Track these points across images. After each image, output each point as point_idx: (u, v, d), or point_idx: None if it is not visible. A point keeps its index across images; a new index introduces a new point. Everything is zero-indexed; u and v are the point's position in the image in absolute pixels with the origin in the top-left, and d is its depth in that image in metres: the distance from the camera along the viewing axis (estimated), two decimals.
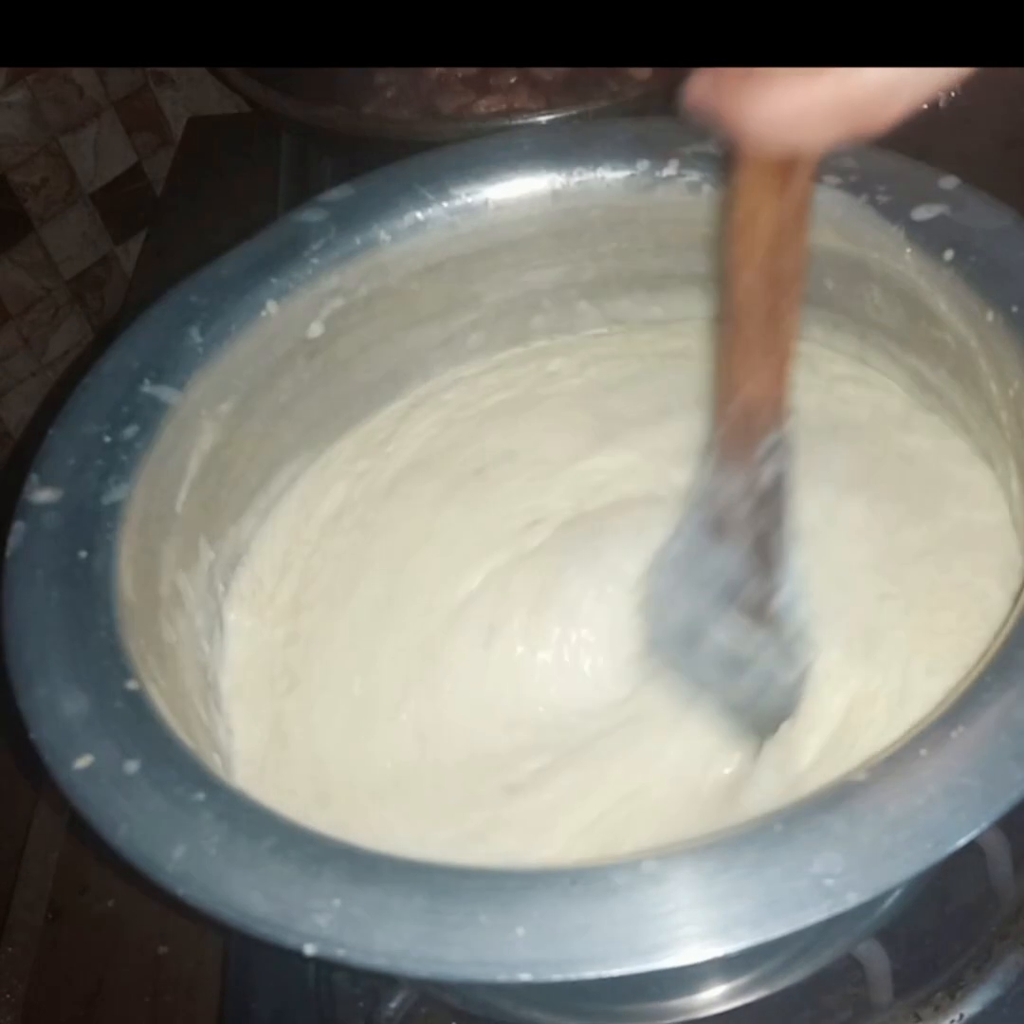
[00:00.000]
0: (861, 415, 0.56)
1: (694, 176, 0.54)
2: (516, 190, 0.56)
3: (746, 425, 0.40)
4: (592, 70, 0.84)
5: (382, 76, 0.89)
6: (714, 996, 0.49)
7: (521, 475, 0.57)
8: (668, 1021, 0.49)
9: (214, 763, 0.41)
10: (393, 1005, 0.53)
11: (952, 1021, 0.51)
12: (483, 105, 0.85)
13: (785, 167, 0.34)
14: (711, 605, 0.45)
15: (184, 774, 0.38)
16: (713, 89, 0.32)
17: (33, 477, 0.46)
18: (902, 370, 0.56)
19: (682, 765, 0.47)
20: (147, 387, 0.49)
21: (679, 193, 0.55)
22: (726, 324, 0.38)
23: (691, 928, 0.33)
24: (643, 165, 0.55)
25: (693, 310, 0.60)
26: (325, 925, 0.34)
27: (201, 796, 0.37)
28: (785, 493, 0.42)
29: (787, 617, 0.44)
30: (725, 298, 0.37)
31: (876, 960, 0.50)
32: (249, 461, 0.55)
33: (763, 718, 0.46)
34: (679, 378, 0.59)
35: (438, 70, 0.87)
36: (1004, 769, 0.34)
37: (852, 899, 0.32)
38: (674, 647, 0.47)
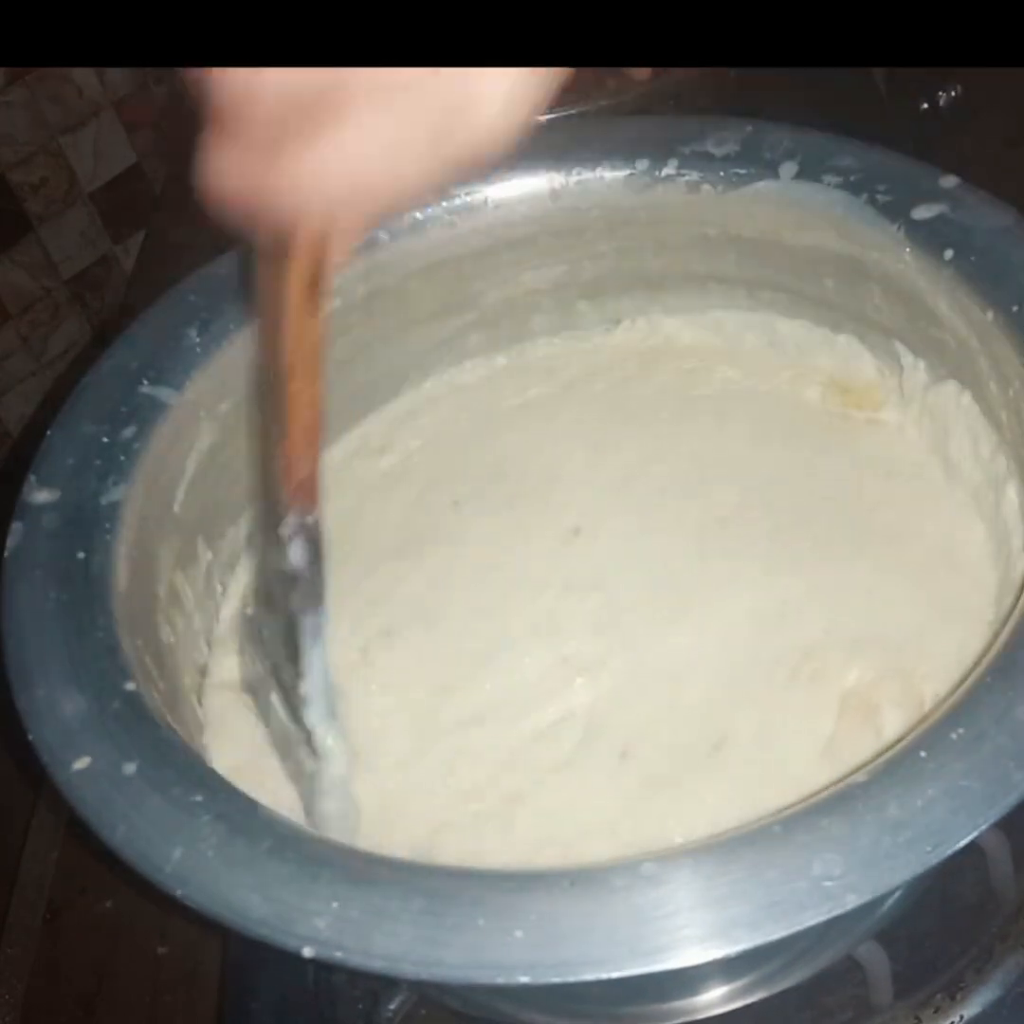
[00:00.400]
0: None
1: (693, 176, 0.54)
2: (515, 189, 0.56)
3: (275, 503, 0.39)
4: (592, 69, 0.83)
5: None
6: (714, 998, 0.49)
7: (543, 481, 0.57)
8: (668, 1023, 0.49)
9: (211, 764, 0.41)
10: (392, 1007, 0.53)
11: (952, 1022, 0.51)
12: None
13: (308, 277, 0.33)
14: (267, 676, 0.44)
15: (182, 775, 0.38)
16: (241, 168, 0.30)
17: (32, 477, 0.46)
18: None
19: None
20: (146, 387, 0.49)
21: (678, 193, 0.55)
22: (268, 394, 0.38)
23: (690, 930, 0.32)
24: (642, 164, 0.55)
25: (692, 309, 0.61)
26: (323, 927, 0.33)
27: (199, 797, 0.37)
28: (313, 579, 0.41)
29: (307, 711, 0.42)
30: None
31: (876, 961, 0.50)
32: (247, 462, 0.54)
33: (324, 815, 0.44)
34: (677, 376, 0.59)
35: None
36: (1004, 770, 0.34)
37: (852, 901, 0.32)
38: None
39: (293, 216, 0.31)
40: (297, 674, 0.41)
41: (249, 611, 0.47)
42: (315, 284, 0.34)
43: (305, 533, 0.39)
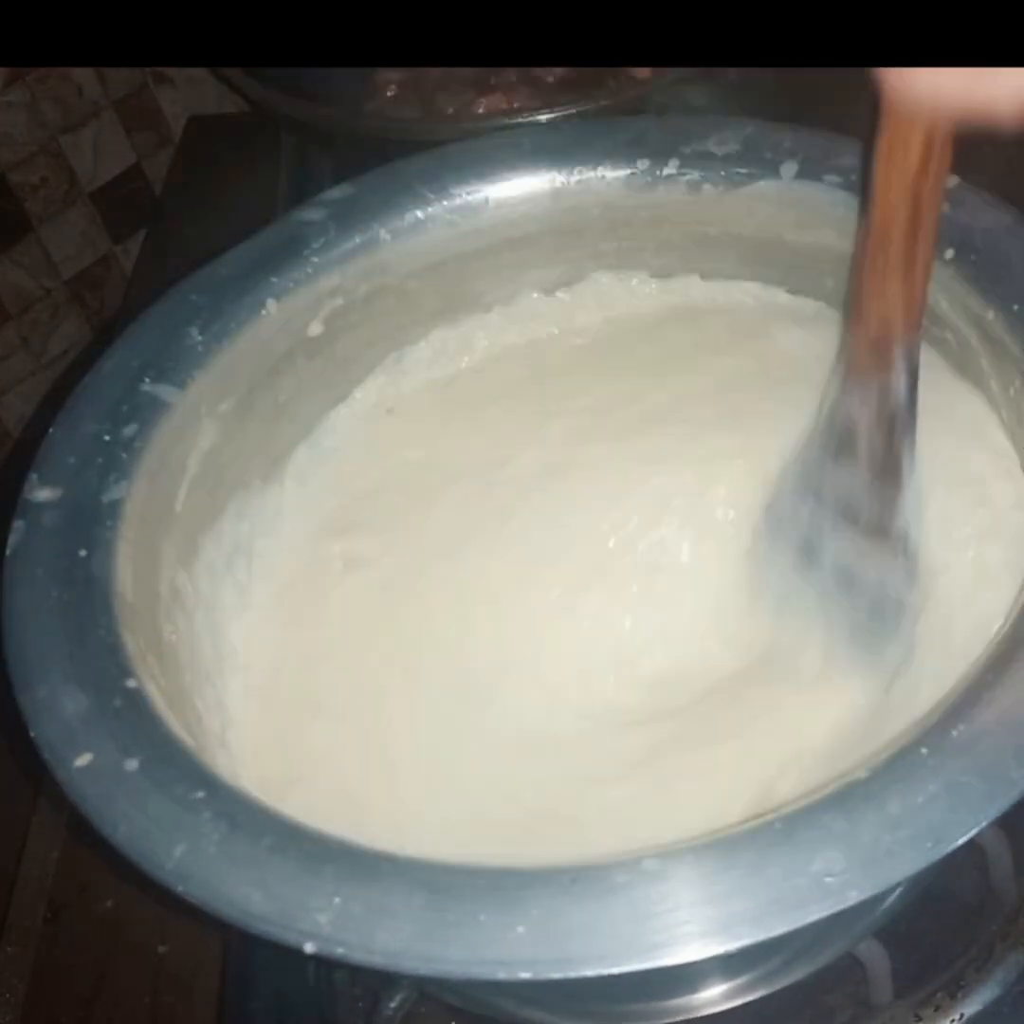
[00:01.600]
0: None
1: (694, 175, 0.54)
2: (516, 189, 0.56)
3: (880, 338, 0.42)
4: (592, 69, 0.84)
5: (382, 76, 0.89)
6: (714, 995, 0.49)
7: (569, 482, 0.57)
8: (668, 1020, 0.49)
9: (214, 761, 0.41)
10: (393, 1004, 0.53)
11: (953, 1020, 0.51)
12: (483, 104, 0.85)
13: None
14: (832, 524, 0.46)
15: (184, 772, 0.38)
16: None
17: (33, 476, 0.46)
18: None
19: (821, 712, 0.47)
20: (147, 386, 0.49)
21: (679, 192, 0.55)
22: (864, 246, 0.41)
23: (691, 926, 0.33)
24: (643, 164, 0.55)
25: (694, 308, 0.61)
26: (325, 923, 0.34)
27: (201, 794, 0.37)
28: (913, 410, 0.44)
29: (908, 535, 0.45)
30: (864, 221, 0.40)
31: (876, 959, 0.50)
32: (249, 460, 0.55)
33: (878, 639, 0.46)
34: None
35: (438, 70, 0.87)
36: (1004, 768, 0.34)
37: (852, 897, 0.32)
38: (791, 568, 0.48)
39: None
40: (896, 506, 0.44)
41: (798, 463, 0.48)
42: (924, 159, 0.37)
43: (909, 363, 0.43)
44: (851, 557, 0.46)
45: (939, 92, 0.33)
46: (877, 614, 0.46)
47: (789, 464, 0.49)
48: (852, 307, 0.43)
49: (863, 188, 0.41)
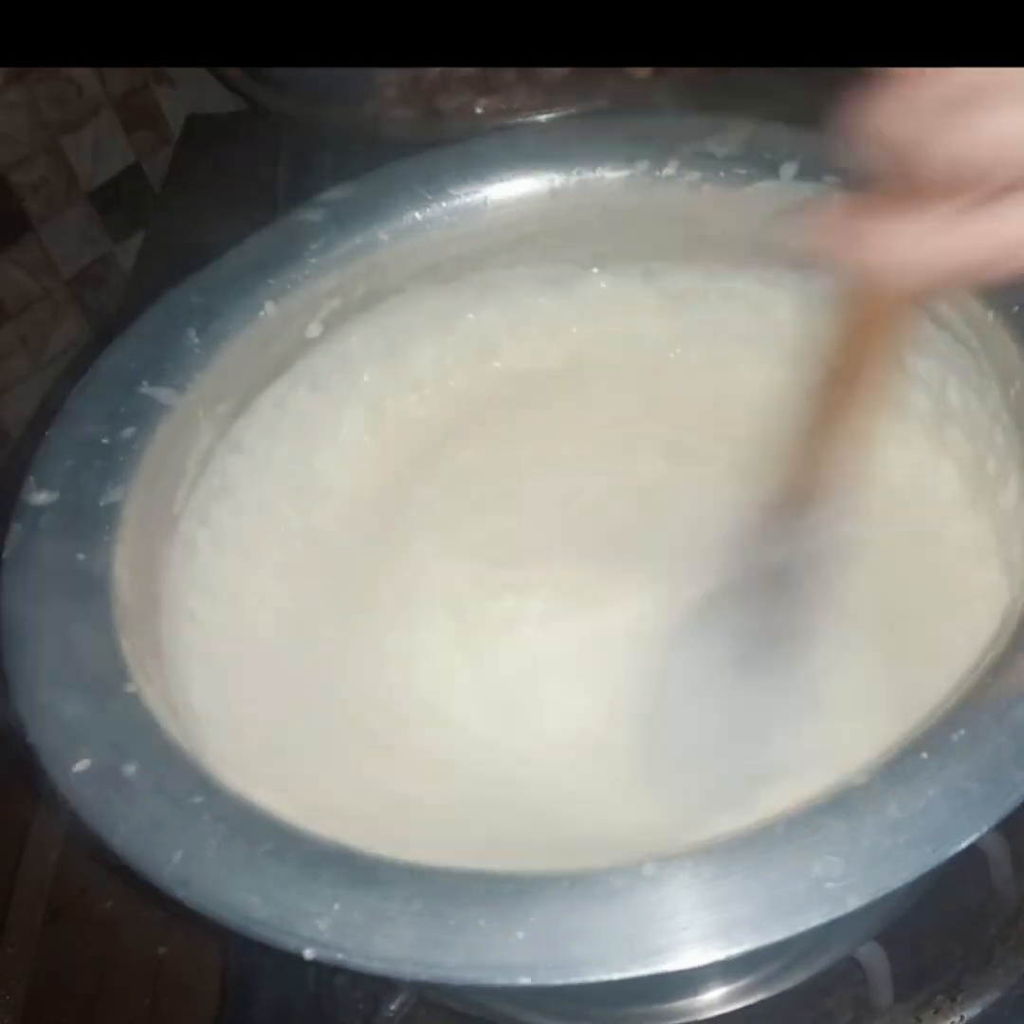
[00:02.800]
0: None
1: (694, 176, 0.54)
2: (515, 190, 0.56)
3: (806, 490, 0.42)
4: (592, 69, 0.83)
5: (382, 76, 0.89)
6: (714, 999, 0.49)
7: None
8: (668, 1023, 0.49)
9: (212, 765, 0.41)
10: (392, 1008, 0.53)
11: (953, 1023, 0.51)
12: (483, 105, 0.84)
13: (899, 302, 0.36)
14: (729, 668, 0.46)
15: (182, 777, 0.38)
16: (835, 232, 0.34)
17: (31, 479, 0.46)
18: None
19: None
20: (145, 388, 0.49)
21: (679, 192, 0.55)
22: (808, 419, 0.41)
23: (691, 931, 0.32)
24: (643, 165, 0.55)
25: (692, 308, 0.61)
26: (324, 928, 0.33)
27: (199, 799, 0.37)
28: (823, 568, 0.44)
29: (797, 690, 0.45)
30: (812, 399, 0.40)
31: (877, 962, 0.50)
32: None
33: None
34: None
35: (438, 70, 0.87)
36: (1004, 772, 0.34)
37: (852, 902, 0.32)
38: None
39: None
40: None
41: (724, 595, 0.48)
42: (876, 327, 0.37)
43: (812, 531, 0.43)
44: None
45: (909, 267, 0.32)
46: None
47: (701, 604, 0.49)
48: (788, 447, 0.43)
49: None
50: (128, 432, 0.48)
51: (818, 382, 0.40)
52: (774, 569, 0.45)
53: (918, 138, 0.31)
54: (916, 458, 0.54)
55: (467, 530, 0.56)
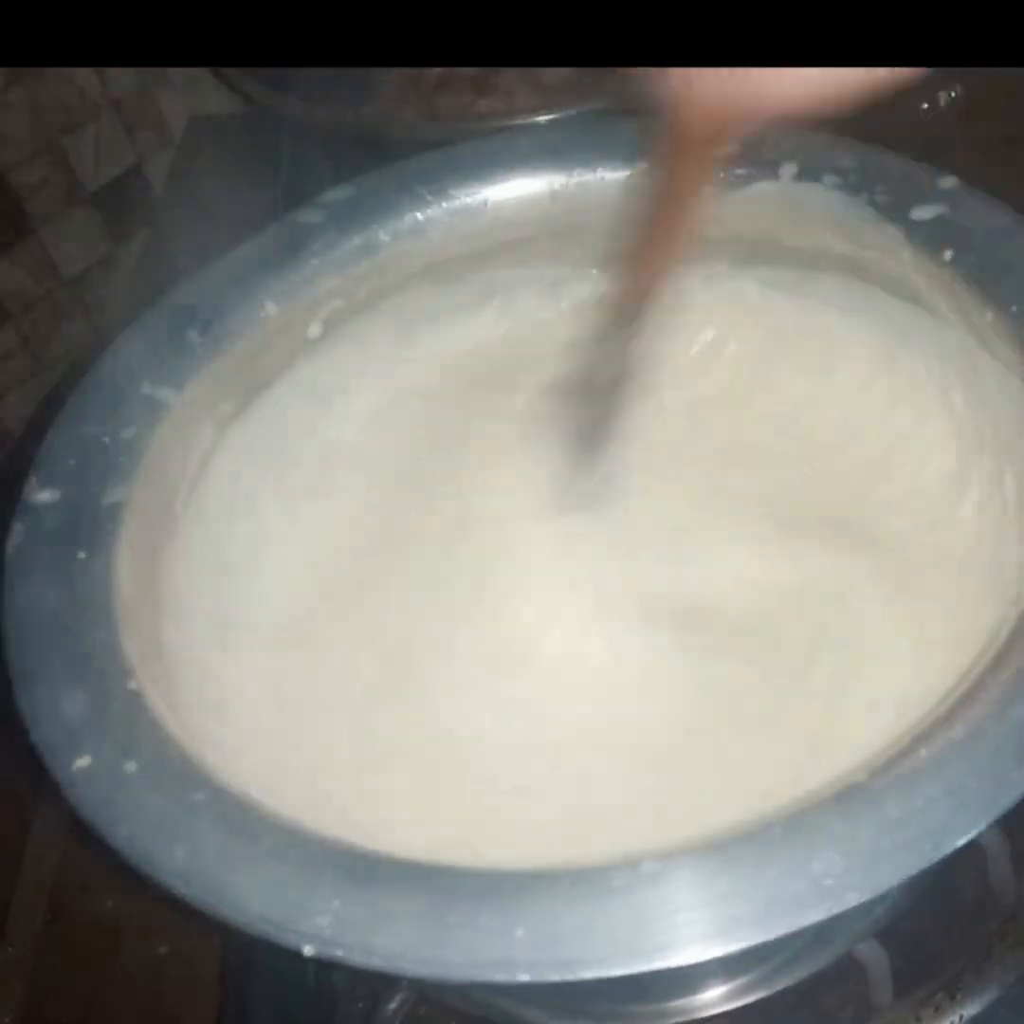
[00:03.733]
0: None
1: None
2: (515, 190, 0.56)
3: (626, 304, 0.47)
4: (592, 70, 0.83)
5: (382, 76, 0.89)
6: (714, 997, 0.49)
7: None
8: (668, 1021, 0.49)
9: (213, 763, 0.41)
10: (392, 1005, 0.53)
11: (952, 1022, 0.51)
12: (483, 105, 0.85)
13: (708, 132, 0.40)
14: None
15: (184, 775, 0.38)
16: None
17: (32, 478, 0.46)
18: None
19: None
20: (146, 388, 0.49)
21: None
22: (635, 232, 0.45)
23: (691, 929, 0.33)
24: (642, 165, 0.55)
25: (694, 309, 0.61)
26: (324, 925, 0.33)
27: (200, 796, 0.37)
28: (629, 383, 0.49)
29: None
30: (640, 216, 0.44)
31: (876, 960, 0.50)
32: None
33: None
34: None
35: (438, 70, 0.87)
36: (1003, 769, 0.34)
37: (852, 899, 0.32)
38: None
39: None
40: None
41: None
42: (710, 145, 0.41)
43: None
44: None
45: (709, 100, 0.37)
46: None
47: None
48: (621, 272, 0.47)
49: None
50: (129, 432, 0.48)
51: (644, 208, 0.44)
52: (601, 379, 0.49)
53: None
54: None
55: (470, 529, 0.56)
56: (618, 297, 0.48)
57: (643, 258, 0.46)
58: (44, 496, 0.46)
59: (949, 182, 0.50)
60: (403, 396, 0.60)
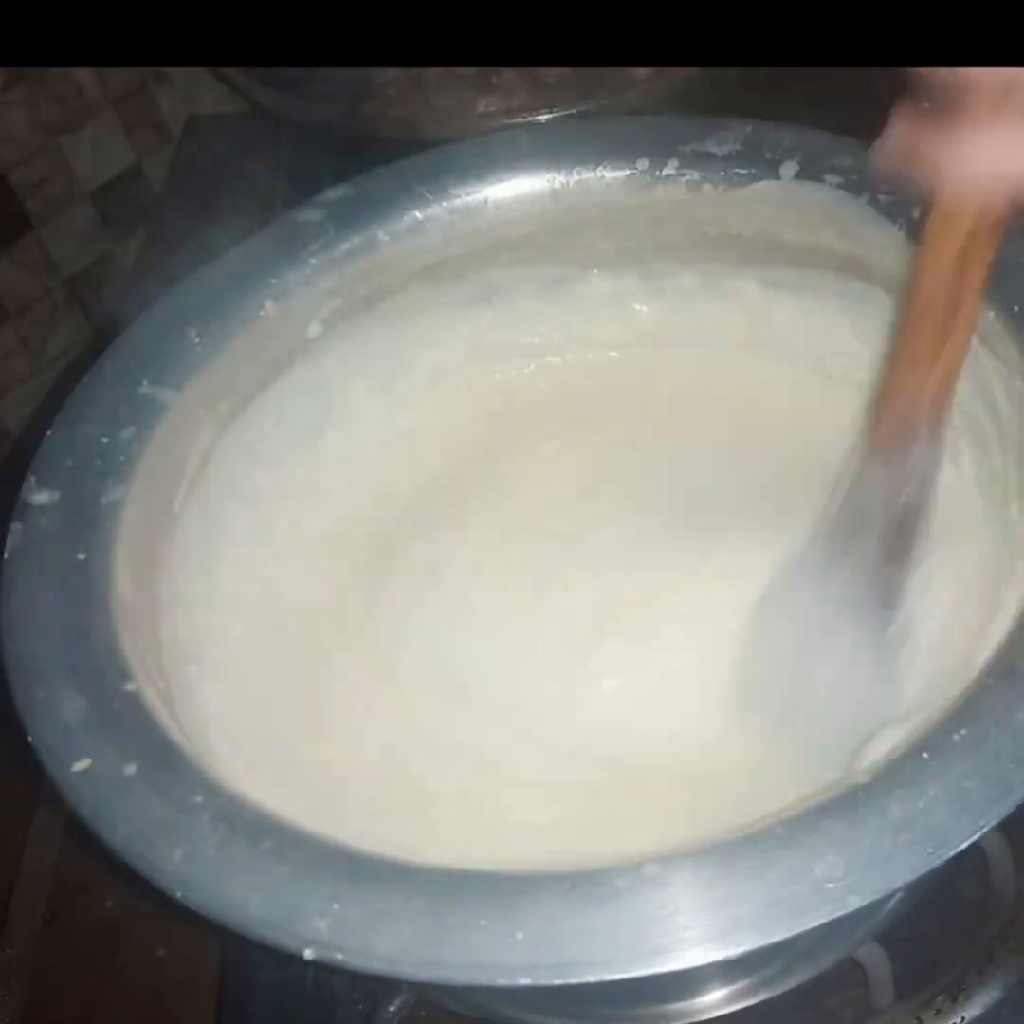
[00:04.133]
0: None
1: (694, 175, 0.54)
2: (515, 189, 0.56)
3: (906, 419, 0.42)
4: (592, 69, 0.83)
5: (382, 76, 0.89)
6: (715, 999, 0.49)
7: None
8: None
9: (212, 764, 0.41)
10: (392, 1008, 0.53)
11: (953, 1023, 0.51)
12: (483, 104, 0.84)
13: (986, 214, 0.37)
14: (823, 638, 0.46)
15: (182, 776, 0.38)
16: (913, 139, 0.34)
17: (31, 478, 0.46)
18: None
19: None
20: (145, 388, 0.49)
21: (679, 192, 0.55)
22: (901, 327, 0.40)
23: (692, 932, 0.32)
24: (643, 164, 0.55)
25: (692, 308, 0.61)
26: (324, 928, 0.33)
27: (199, 798, 0.37)
28: (932, 496, 0.44)
29: (910, 626, 0.45)
30: (904, 305, 0.40)
31: (878, 963, 0.50)
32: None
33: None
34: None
35: (438, 70, 0.87)
36: (1005, 772, 0.34)
37: (853, 902, 0.32)
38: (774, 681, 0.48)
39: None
40: (899, 586, 0.45)
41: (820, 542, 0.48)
42: (968, 248, 0.38)
43: (933, 448, 0.43)
44: (845, 653, 0.46)
45: (992, 180, 0.33)
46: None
47: (793, 557, 0.48)
48: (882, 386, 0.43)
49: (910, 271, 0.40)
50: (128, 432, 0.47)
51: (910, 315, 0.40)
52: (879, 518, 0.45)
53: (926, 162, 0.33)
54: None
55: (470, 528, 0.56)
56: (898, 416, 0.43)
57: (923, 365, 0.41)
58: (43, 496, 0.45)
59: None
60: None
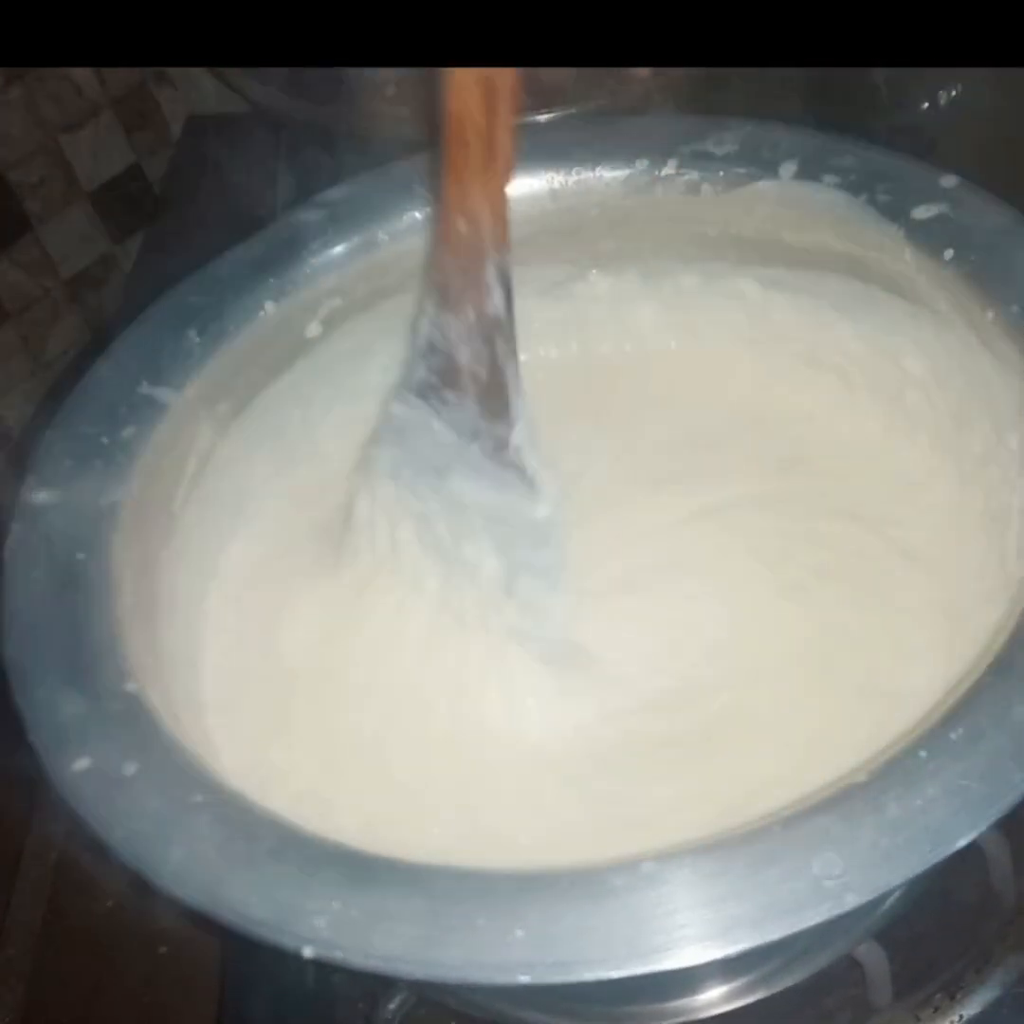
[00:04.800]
0: None
1: (693, 175, 0.54)
2: (515, 189, 0.55)
3: (471, 246, 0.41)
4: (592, 69, 0.83)
5: (382, 76, 0.89)
6: (713, 997, 0.49)
7: None
8: (667, 1022, 0.49)
9: (212, 764, 0.41)
10: (391, 1007, 0.53)
11: (951, 1022, 0.51)
12: None
13: None
14: (445, 464, 0.45)
15: (182, 776, 0.38)
16: None
17: (31, 478, 0.46)
18: None
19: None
20: (145, 388, 0.49)
21: (678, 192, 0.55)
22: (445, 147, 0.40)
23: (690, 930, 0.32)
24: (642, 164, 0.55)
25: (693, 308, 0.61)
26: (323, 927, 0.33)
27: (199, 798, 0.37)
28: (510, 323, 0.42)
29: (526, 455, 0.44)
30: (444, 116, 0.40)
31: (876, 961, 0.50)
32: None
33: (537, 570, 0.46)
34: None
35: (438, 70, 0.87)
36: (1003, 770, 0.34)
37: (851, 900, 0.32)
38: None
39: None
40: (508, 426, 0.43)
41: (397, 408, 0.47)
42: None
43: (501, 277, 0.41)
44: (471, 488, 0.45)
45: None
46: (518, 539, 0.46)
47: (388, 410, 0.47)
48: (437, 223, 0.42)
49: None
50: (128, 432, 0.48)
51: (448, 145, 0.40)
52: None
53: None
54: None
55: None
56: (449, 250, 0.42)
57: (473, 160, 0.40)
58: (43, 496, 0.45)
59: (949, 181, 0.49)
60: None
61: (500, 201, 0.41)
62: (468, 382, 0.44)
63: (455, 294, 0.42)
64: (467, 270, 0.42)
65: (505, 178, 0.41)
